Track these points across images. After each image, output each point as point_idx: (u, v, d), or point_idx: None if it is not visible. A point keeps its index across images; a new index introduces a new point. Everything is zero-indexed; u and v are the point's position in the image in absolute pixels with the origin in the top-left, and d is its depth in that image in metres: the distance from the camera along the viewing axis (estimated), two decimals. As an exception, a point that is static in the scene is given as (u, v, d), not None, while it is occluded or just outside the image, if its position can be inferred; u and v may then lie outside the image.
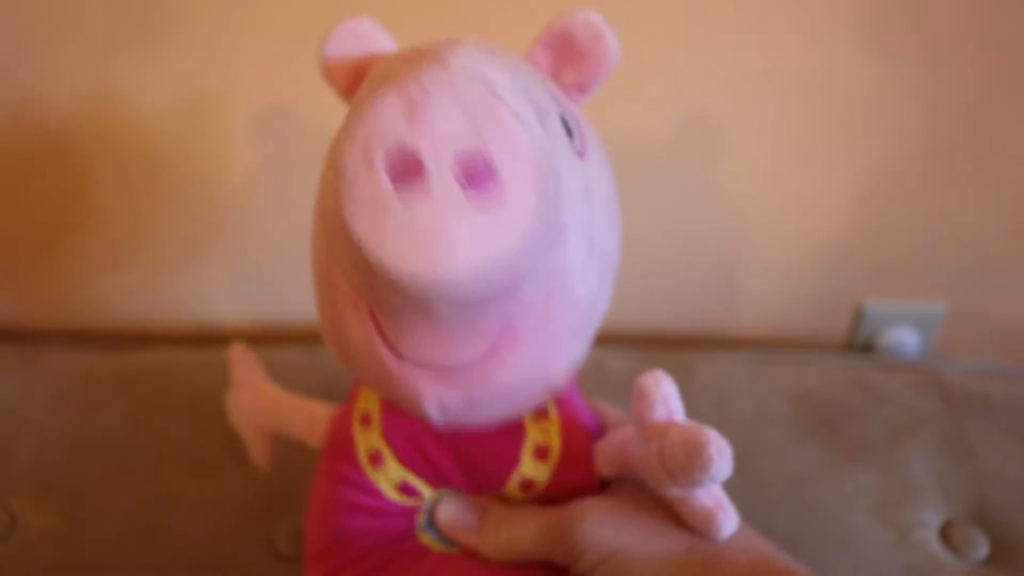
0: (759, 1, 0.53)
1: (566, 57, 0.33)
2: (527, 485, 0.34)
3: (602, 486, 0.35)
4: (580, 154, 0.30)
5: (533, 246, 0.25)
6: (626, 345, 0.63)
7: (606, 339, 0.57)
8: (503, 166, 0.24)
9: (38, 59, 0.56)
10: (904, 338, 0.68)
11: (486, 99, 0.24)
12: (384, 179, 0.24)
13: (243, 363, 0.44)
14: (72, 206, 0.63)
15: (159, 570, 0.48)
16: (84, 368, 0.61)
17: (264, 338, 0.68)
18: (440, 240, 0.23)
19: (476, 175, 0.23)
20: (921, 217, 0.63)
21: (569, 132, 0.30)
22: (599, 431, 0.36)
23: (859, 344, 0.70)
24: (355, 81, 0.33)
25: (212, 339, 0.68)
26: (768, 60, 0.55)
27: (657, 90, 0.56)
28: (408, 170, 0.23)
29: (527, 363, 0.29)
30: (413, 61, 0.25)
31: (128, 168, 0.61)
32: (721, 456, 0.28)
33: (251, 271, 0.66)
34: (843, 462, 0.53)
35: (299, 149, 0.59)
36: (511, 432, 0.34)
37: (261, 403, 0.42)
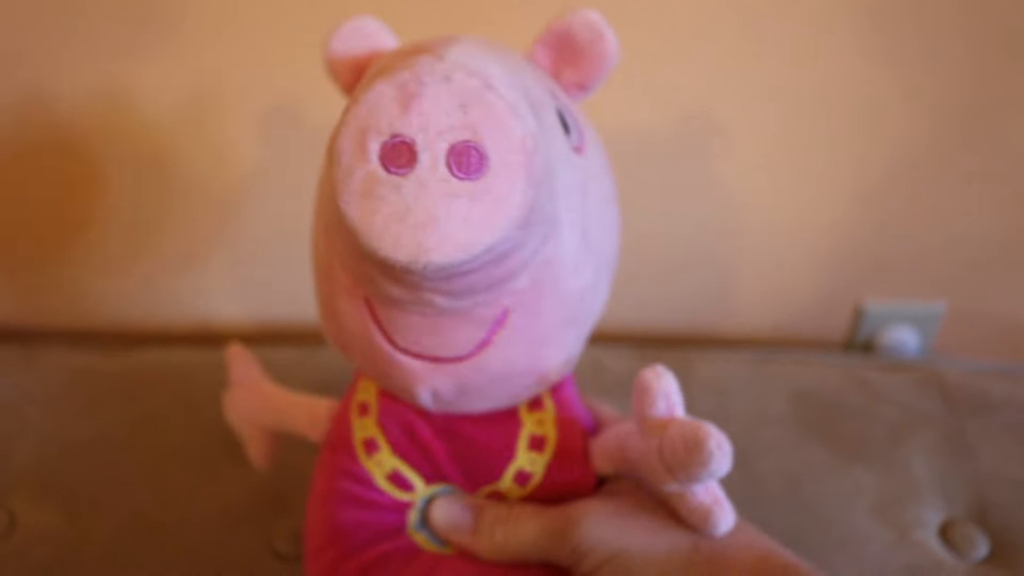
0: (759, 2, 0.53)
1: (566, 56, 0.33)
2: (522, 478, 0.34)
3: (597, 485, 0.35)
4: (577, 150, 0.30)
5: (521, 230, 0.25)
6: (625, 344, 0.63)
7: (604, 338, 0.57)
8: (494, 154, 0.24)
9: (41, 57, 0.56)
10: (904, 337, 0.68)
11: (480, 91, 0.24)
12: (377, 166, 0.24)
13: (241, 362, 0.44)
14: (73, 205, 0.63)
15: (158, 569, 0.48)
16: (84, 368, 0.61)
17: (264, 338, 0.68)
18: (429, 225, 0.24)
19: (468, 163, 0.24)
20: (921, 216, 0.63)
21: (567, 128, 0.30)
22: (595, 429, 0.36)
23: (859, 343, 0.70)
24: (357, 78, 0.33)
25: (212, 339, 0.68)
26: (768, 60, 0.55)
27: (658, 90, 0.56)
28: (401, 157, 0.24)
29: (519, 354, 0.30)
30: (410, 55, 0.25)
31: (130, 167, 0.61)
32: (721, 452, 0.28)
33: (252, 270, 0.66)
34: (843, 461, 0.53)
35: (301, 148, 0.59)
36: (506, 423, 0.34)
37: (260, 401, 0.42)
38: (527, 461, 0.34)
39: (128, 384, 0.59)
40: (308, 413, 0.40)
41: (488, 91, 0.24)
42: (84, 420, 0.56)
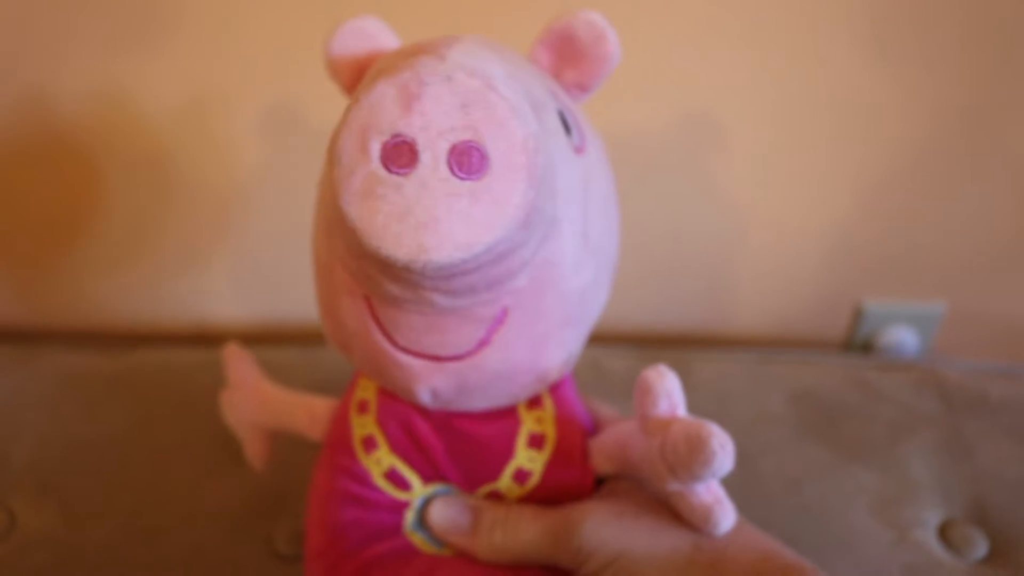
0: (760, 3, 0.53)
1: (567, 57, 0.33)
2: (521, 476, 0.34)
3: (596, 485, 0.35)
4: (578, 150, 0.30)
5: (521, 230, 0.25)
6: (624, 344, 0.63)
7: (604, 338, 0.57)
8: (495, 155, 0.24)
9: (41, 57, 0.56)
10: (903, 337, 0.68)
11: (481, 90, 0.24)
12: (378, 165, 0.24)
13: (239, 363, 0.44)
14: (73, 206, 0.63)
15: (158, 570, 0.48)
16: (82, 368, 0.61)
17: (264, 338, 0.68)
18: (430, 224, 0.24)
19: (469, 163, 0.24)
20: (920, 217, 0.63)
21: (567, 128, 0.30)
22: (594, 429, 0.36)
23: (858, 343, 0.70)
24: (358, 78, 0.33)
25: (213, 339, 0.68)
26: (768, 61, 0.55)
27: (659, 91, 0.56)
28: (402, 157, 0.24)
29: (519, 353, 0.30)
30: (412, 55, 0.25)
31: (130, 168, 0.61)
32: (723, 451, 0.28)
33: (253, 271, 0.66)
34: (842, 461, 0.53)
35: (302, 148, 0.59)
36: (506, 421, 0.34)
37: (259, 402, 0.42)
38: (526, 459, 0.34)
39: (127, 385, 0.59)
40: (307, 413, 0.40)
41: (490, 91, 0.24)
42: (83, 421, 0.56)
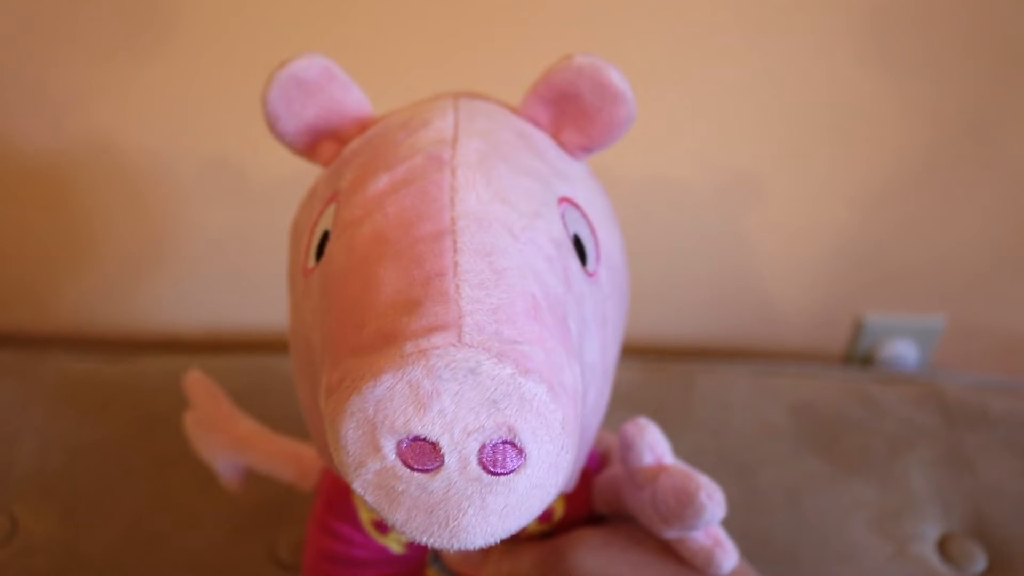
0: (762, 13, 0.53)
1: (570, 116, 0.29)
2: (531, 537, 0.34)
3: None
4: (592, 275, 0.28)
5: (553, 497, 0.23)
6: (628, 356, 0.63)
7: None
8: (533, 447, 0.21)
9: (16, 73, 0.56)
10: (903, 351, 0.69)
11: (513, 380, 0.21)
12: (396, 463, 0.21)
13: (205, 393, 0.41)
14: (53, 212, 0.63)
15: (159, 576, 0.48)
16: (85, 374, 0.61)
17: (264, 342, 0.69)
18: (460, 517, 0.21)
19: (504, 461, 0.21)
20: (921, 231, 0.63)
21: (583, 255, 0.27)
22: (602, 460, 0.36)
23: (859, 357, 0.70)
24: (312, 143, 0.30)
25: (216, 346, 0.69)
26: (770, 71, 0.55)
27: (659, 99, 0.57)
28: (424, 457, 0.21)
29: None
30: (410, 263, 0.23)
31: (106, 177, 0.61)
32: (712, 501, 0.28)
33: (241, 274, 0.67)
34: (842, 474, 0.53)
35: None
36: None
37: (240, 446, 0.41)
38: (535, 528, 0.34)
39: (130, 390, 0.59)
40: (294, 464, 0.39)
41: (524, 378, 0.21)
42: (86, 426, 0.57)
